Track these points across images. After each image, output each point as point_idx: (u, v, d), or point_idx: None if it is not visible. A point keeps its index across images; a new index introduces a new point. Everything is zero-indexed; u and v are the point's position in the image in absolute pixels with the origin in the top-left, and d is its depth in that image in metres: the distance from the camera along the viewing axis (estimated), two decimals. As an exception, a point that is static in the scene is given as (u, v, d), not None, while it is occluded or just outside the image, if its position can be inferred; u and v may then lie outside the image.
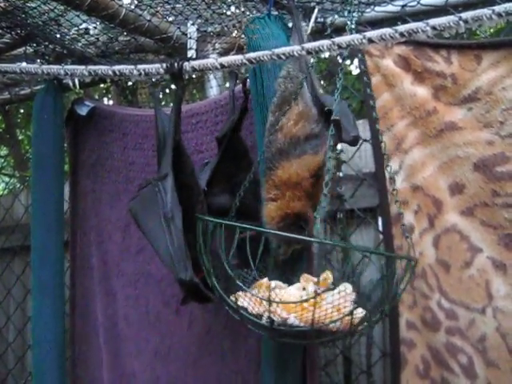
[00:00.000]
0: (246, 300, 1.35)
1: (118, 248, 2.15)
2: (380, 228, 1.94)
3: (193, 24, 2.05)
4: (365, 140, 1.85)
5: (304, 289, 1.44)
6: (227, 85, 2.31)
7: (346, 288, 1.35)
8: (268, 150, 1.56)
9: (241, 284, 1.34)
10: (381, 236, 1.85)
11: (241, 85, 1.80)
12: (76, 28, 2.04)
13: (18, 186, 4.72)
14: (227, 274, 1.36)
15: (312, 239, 1.31)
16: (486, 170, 1.55)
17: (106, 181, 2.21)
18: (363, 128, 1.82)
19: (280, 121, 1.57)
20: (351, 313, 1.28)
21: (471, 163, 1.57)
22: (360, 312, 1.32)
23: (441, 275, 1.59)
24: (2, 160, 5.16)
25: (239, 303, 1.35)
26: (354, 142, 1.53)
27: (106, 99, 4.29)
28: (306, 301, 1.30)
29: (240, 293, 1.37)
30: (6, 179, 5.21)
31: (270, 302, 1.27)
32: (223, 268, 1.36)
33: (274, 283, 1.41)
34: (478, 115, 1.58)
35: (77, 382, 2.24)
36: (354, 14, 1.59)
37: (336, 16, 1.89)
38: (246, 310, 1.34)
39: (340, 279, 1.46)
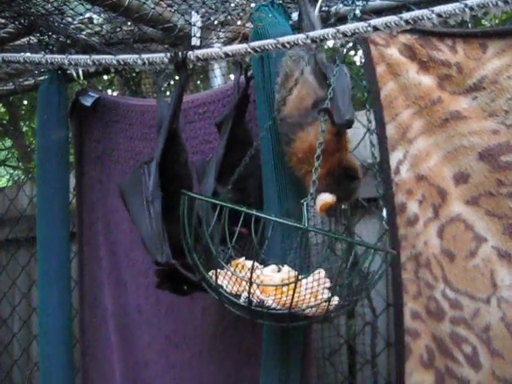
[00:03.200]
0: (226, 279, 1.37)
1: (127, 238, 2.15)
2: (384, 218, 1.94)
3: (197, 13, 2.04)
4: (368, 130, 1.84)
5: (279, 270, 1.46)
6: (231, 74, 2.31)
7: (321, 273, 1.38)
8: (281, 126, 1.57)
9: (222, 263, 1.35)
10: (385, 225, 1.85)
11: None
12: (80, 17, 2.04)
13: (23, 177, 4.72)
14: (208, 251, 1.36)
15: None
16: (491, 160, 1.54)
17: (113, 172, 2.21)
18: (368, 118, 1.80)
19: (285, 97, 1.58)
20: (329, 300, 1.32)
21: (476, 153, 1.57)
22: (336, 299, 1.37)
23: (445, 265, 1.59)
24: (7, 151, 5.16)
25: (219, 282, 1.37)
26: (348, 125, 1.50)
27: (109, 90, 4.28)
28: (287, 285, 1.33)
29: (220, 271, 1.39)
30: (11, 171, 5.22)
31: (250, 283, 1.29)
32: (205, 246, 1.36)
33: (250, 263, 1.40)
34: (483, 104, 1.57)
35: (87, 372, 2.25)
36: (359, 3, 1.59)
37: (341, 5, 1.88)
38: (224, 288, 1.36)
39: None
